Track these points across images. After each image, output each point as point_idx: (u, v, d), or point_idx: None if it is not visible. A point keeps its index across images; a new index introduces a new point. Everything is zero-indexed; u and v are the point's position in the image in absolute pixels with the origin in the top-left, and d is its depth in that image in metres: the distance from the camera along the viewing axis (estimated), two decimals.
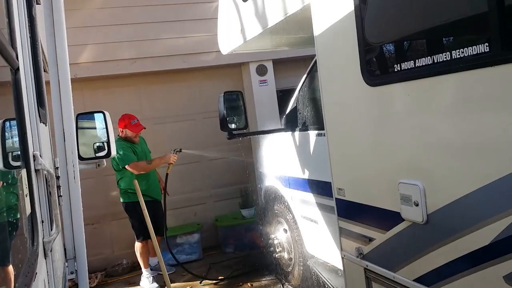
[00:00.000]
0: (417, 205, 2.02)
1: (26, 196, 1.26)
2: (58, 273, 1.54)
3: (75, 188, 2.07)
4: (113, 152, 2.53)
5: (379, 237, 2.37)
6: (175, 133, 5.81)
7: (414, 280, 2.13)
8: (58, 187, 1.92)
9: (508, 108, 1.59)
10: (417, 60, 1.91)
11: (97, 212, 5.56)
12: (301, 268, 4.11)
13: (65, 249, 2.09)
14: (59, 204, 1.88)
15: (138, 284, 4.96)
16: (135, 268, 5.44)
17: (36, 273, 1.13)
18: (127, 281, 5.20)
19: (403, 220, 2.15)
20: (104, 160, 2.58)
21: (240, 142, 6.23)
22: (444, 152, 1.89)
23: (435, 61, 1.82)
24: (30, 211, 1.28)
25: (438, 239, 1.94)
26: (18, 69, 1.26)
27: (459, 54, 1.71)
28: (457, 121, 1.82)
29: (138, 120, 4.81)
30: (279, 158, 4.35)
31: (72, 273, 2.04)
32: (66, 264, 2.03)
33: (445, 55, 1.77)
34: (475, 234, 1.75)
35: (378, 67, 2.35)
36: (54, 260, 1.36)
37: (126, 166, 4.53)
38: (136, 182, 3.45)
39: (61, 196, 1.95)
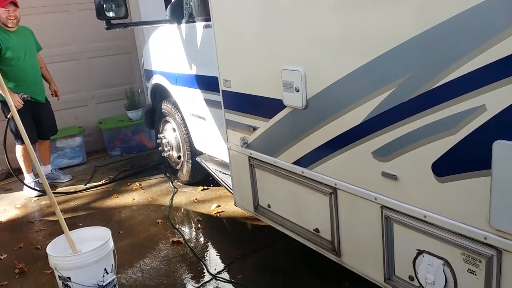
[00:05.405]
0: (298, 91, 2.07)
1: None
2: None
3: None
4: None
5: (262, 125, 2.44)
6: (44, 27, 5.09)
7: (293, 163, 2.27)
8: None
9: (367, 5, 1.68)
10: None
11: None
12: (190, 165, 4.15)
13: None
14: None
15: (16, 190, 4.63)
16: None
17: None
18: (3, 188, 4.82)
19: (285, 107, 2.21)
20: None
21: (123, 38, 5.79)
22: (321, 40, 1.94)
23: None
24: None
25: (316, 123, 2.05)
26: None
27: None
28: (333, 14, 1.87)
29: None
30: (165, 54, 4.14)
31: None
32: None
33: None
34: (348, 116, 1.87)
35: None
36: None
37: None
38: (1, 78, 2.88)
39: None
